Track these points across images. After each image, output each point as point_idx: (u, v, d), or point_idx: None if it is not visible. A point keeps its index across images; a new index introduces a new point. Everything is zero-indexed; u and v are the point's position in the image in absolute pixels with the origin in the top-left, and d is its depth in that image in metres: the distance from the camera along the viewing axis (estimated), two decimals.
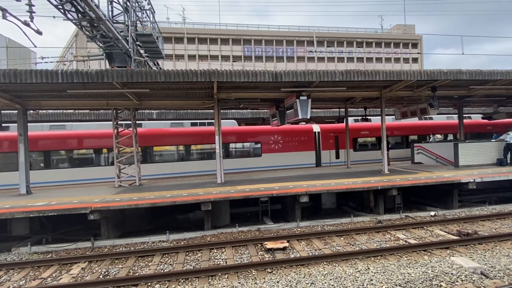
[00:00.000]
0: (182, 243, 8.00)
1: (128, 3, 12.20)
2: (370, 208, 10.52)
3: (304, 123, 17.19)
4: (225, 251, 7.25)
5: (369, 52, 52.17)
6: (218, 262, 6.61)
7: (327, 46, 51.24)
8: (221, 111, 16.77)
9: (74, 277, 6.21)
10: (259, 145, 15.46)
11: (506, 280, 5.17)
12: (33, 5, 8.02)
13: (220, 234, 8.58)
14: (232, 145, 15.39)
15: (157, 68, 16.42)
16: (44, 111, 14.14)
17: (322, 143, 16.34)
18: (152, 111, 16.09)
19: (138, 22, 13.13)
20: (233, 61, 47.61)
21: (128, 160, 12.05)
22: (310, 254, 6.83)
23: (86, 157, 13.97)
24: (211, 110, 15.27)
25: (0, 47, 22.53)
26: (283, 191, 9.15)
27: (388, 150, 13.81)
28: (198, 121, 16.22)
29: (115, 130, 11.69)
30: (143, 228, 9.86)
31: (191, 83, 9.79)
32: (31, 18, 7.97)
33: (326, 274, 5.65)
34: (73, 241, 8.16)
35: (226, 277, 5.79)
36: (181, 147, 14.80)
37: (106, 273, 6.35)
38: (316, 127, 16.65)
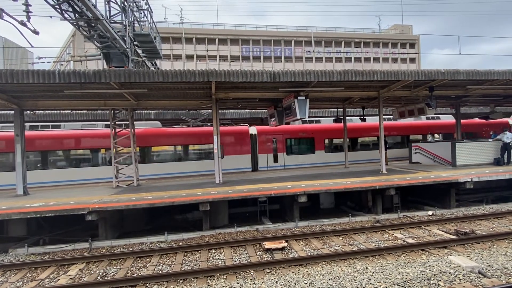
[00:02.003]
0: (181, 243, 7.98)
1: (125, 3, 12.16)
2: (368, 207, 10.55)
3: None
4: (223, 251, 7.24)
5: (367, 52, 52.28)
6: (217, 263, 6.59)
7: (325, 46, 51.33)
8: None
9: (71, 278, 6.18)
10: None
11: (504, 279, 5.19)
12: (30, 5, 7.97)
13: (219, 234, 8.57)
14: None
15: (155, 68, 16.38)
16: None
17: None
18: (150, 111, 16.07)
19: (135, 22, 13.10)
20: (231, 61, 47.57)
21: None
22: (309, 254, 6.83)
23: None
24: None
25: None
26: (282, 191, 9.15)
27: (386, 150, 13.84)
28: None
29: (113, 131, 11.66)
30: (141, 229, 9.83)
31: (189, 83, 9.78)
32: (28, 18, 7.92)
33: (325, 274, 5.66)
34: (70, 242, 8.12)
35: (224, 277, 5.78)
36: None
37: (104, 274, 6.32)
38: (511, 121, 20.27)
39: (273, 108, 12.64)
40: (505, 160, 12.75)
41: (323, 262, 6.25)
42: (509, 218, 8.96)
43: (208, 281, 5.68)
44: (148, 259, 6.99)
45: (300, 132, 16.66)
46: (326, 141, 17.15)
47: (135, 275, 6.17)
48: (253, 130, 16.25)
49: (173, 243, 8.10)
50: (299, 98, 10.18)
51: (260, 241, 7.57)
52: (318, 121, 17.89)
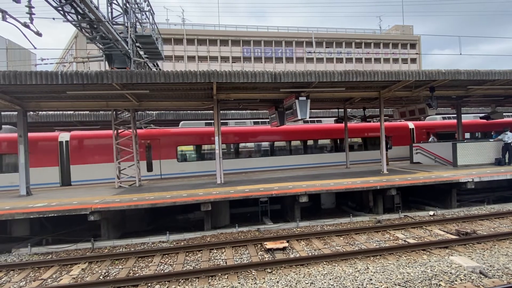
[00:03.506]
0: (182, 243, 8.02)
1: (127, 5, 12.22)
2: (369, 208, 10.55)
3: None
4: (225, 251, 7.27)
5: (368, 53, 52.28)
6: (218, 263, 6.62)
7: (326, 47, 51.36)
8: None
9: (74, 278, 6.22)
10: None
11: (505, 279, 5.20)
12: (33, 7, 8.03)
13: (220, 234, 8.60)
14: None
15: (156, 69, 16.44)
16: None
17: None
18: (152, 112, 16.12)
19: (137, 23, 13.15)
20: (232, 62, 47.67)
21: None
22: (310, 254, 6.85)
23: None
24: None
25: (0, 49, 22.52)
26: (283, 191, 9.17)
27: (386, 150, 13.84)
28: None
29: (115, 131, 11.72)
30: (143, 229, 9.87)
31: (191, 84, 9.82)
32: (31, 19, 7.98)
33: (326, 274, 5.68)
34: (73, 242, 8.17)
35: (226, 277, 5.81)
36: None
37: (106, 273, 6.36)
38: None
39: (274, 108, 12.68)
40: (506, 160, 12.74)
41: (324, 262, 6.26)
42: (510, 218, 8.95)
43: (209, 281, 5.70)
44: (150, 259, 7.03)
45: (444, 127, 18.97)
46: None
47: (137, 275, 6.20)
48: (411, 125, 18.66)
49: (174, 243, 8.14)
50: (300, 98, 10.22)
51: (261, 241, 7.59)
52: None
